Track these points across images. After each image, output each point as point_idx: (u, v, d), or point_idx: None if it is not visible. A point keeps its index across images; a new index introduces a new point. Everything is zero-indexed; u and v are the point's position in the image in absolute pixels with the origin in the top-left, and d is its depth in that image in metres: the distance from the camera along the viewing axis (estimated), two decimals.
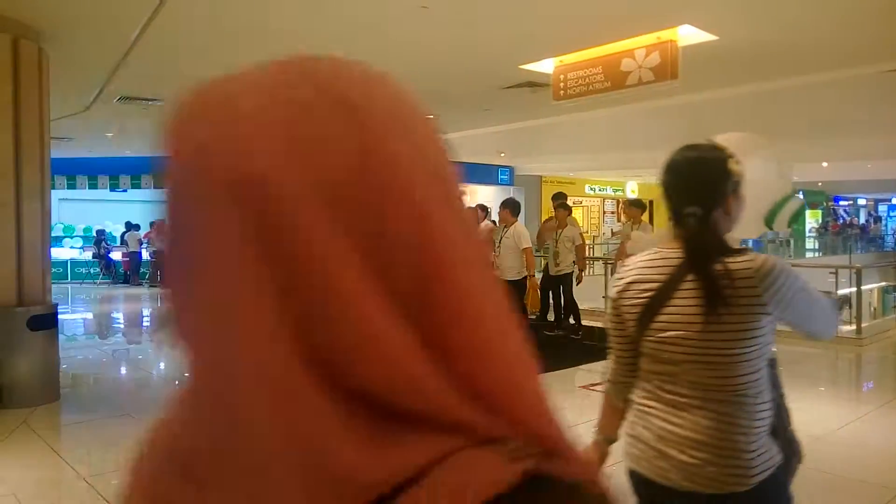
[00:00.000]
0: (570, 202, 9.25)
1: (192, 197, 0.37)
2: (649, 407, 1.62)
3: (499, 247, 7.59)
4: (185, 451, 0.40)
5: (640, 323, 1.61)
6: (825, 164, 19.81)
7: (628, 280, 1.66)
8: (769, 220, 6.76)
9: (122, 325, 10.96)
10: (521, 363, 0.41)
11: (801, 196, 6.34)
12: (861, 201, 38.32)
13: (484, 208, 9.39)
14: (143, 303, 13.53)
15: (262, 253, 0.35)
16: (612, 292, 1.71)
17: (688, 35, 5.91)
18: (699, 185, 1.61)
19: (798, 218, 6.36)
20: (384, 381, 0.36)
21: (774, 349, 1.64)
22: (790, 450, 1.70)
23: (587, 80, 6.59)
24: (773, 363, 1.66)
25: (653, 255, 1.65)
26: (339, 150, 0.36)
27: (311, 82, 0.39)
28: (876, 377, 7.75)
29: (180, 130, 0.40)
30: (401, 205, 0.37)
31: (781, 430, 1.67)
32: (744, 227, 7.11)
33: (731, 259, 1.53)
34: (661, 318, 1.57)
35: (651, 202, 20.40)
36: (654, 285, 1.60)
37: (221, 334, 0.36)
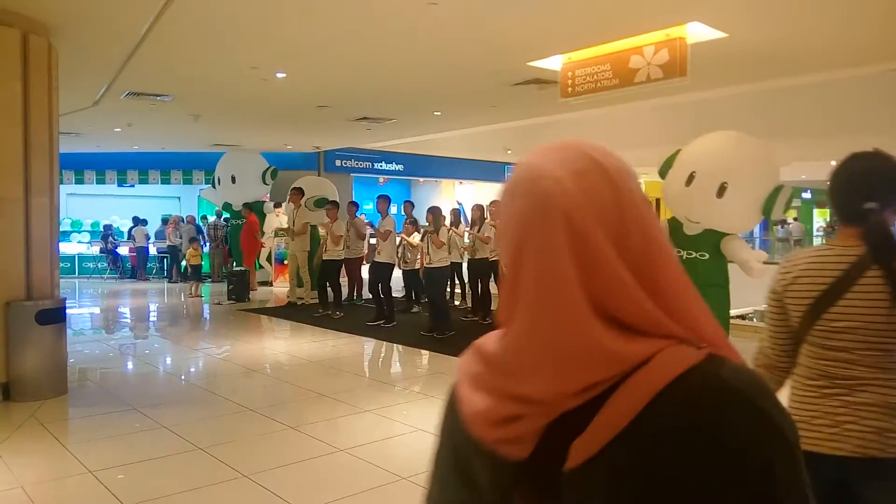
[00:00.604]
0: None
1: (537, 223, 0.70)
2: (821, 387, 1.78)
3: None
4: (489, 353, 0.78)
5: (809, 315, 1.76)
6: (833, 163, 19.65)
7: (795, 275, 1.81)
8: (767, 210, 6.75)
9: (128, 320, 11.00)
10: (696, 297, 0.74)
11: (788, 185, 6.40)
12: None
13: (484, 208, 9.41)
14: (150, 297, 13.58)
15: (572, 248, 0.69)
16: (777, 286, 1.86)
17: (697, 32, 5.88)
18: (878, 184, 1.77)
19: (790, 204, 6.39)
20: (628, 311, 0.69)
21: None
22: None
23: (595, 77, 6.56)
24: None
25: (822, 251, 1.80)
26: (602, 191, 0.71)
27: (585, 157, 0.73)
28: None
29: (523, 183, 0.74)
30: (632, 212, 0.71)
31: None
32: (743, 221, 7.08)
33: None
34: (835, 309, 1.72)
35: (658, 200, 20.33)
36: (827, 279, 1.74)
37: (552, 292, 0.69)
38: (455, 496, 0.81)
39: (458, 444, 0.80)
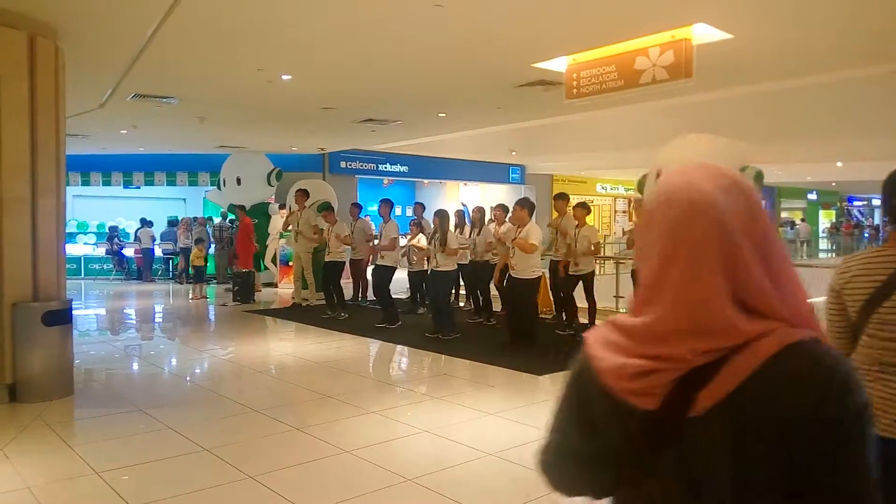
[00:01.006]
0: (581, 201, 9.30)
1: (695, 226, 0.90)
2: (876, 372, 1.97)
3: (513, 248, 7.54)
4: (629, 325, 0.94)
5: (865, 309, 1.97)
6: (840, 164, 19.64)
7: (852, 274, 2.02)
8: None
9: (134, 321, 11.03)
10: (799, 287, 0.92)
11: (753, 167, 6.47)
12: (876, 202, 37.92)
13: (504, 208, 9.36)
14: (156, 299, 13.61)
15: (721, 247, 0.88)
16: (835, 285, 2.08)
17: (702, 34, 5.86)
18: None
19: (760, 182, 6.52)
20: (755, 297, 0.88)
21: None
22: None
23: (600, 78, 6.55)
24: None
25: (876, 253, 2.01)
26: (741, 203, 0.91)
27: (726, 177, 0.93)
28: None
29: (679, 193, 0.92)
30: (760, 219, 0.92)
31: None
32: None
33: None
34: (888, 303, 1.92)
35: None
36: (881, 277, 1.95)
37: (702, 280, 0.88)
38: (580, 444, 1.01)
39: (587, 399, 0.99)
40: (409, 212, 10.86)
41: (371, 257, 10.59)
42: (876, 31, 5.96)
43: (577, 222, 8.57)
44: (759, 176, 6.40)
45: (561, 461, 1.05)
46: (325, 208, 10.84)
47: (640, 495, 0.95)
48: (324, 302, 10.66)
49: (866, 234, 29.89)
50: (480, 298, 9.83)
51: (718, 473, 0.87)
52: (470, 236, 9.77)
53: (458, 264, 9.05)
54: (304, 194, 11.45)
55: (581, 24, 5.80)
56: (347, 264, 10.80)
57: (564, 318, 8.84)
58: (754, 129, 12.86)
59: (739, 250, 0.88)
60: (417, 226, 9.90)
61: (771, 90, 8.41)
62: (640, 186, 7.01)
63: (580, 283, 8.61)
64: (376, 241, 10.05)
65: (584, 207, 8.74)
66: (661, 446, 0.91)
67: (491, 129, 12.17)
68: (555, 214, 9.26)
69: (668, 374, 0.88)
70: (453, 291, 10.07)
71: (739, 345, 0.86)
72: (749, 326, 0.87)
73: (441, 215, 8.47)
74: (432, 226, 8.73)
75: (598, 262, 9.79)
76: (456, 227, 9.82)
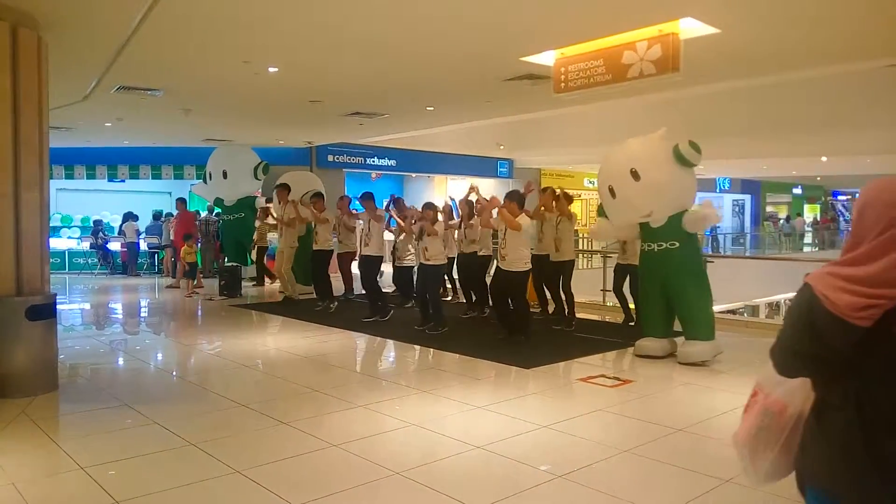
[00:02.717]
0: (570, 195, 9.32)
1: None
2: None
3: (503, 239, 7.51)
4: (849, 274, 1.40)
5: None
6: (824, 159, 19.80)
7: None
8: (678, 157, 7.15)
9: (119, 316, 10.95)
10: None
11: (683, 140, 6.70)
12: None
13: (470, 203, 9.40)
14: (141, 293, 13.52)
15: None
16: None
17: (689, 28, 5.88)
18: None
19: (695, 150, 6.86)
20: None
21: None
22: None
23: (588, 72, 6.57)
24: None
25: None
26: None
27: None
28: None
29: (888, 185, 1.42)
30: None
31: None
32: (675, 190, 7.38)
33: None
34: None
35: None
36: None
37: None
38: (801, 346, 1.46)
39: (814, 320, 1.40)
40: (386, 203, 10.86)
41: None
42: (861, 27, 6.01)
43: (558, 213, 8.58)
44: (693, 145, 6.59)
45: (785, 355, 1.52)
46: (316, 196, 10.83)
47: (836, 389, 1.45)
48: (311, 296, 10.63)
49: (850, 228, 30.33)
50: (473, 295, 9.80)
51: None
52: (458, 229, 9.76)
53: (447, 258, 9.03)
54: (284, 188, 11.57)
55: (569, 18, 5.80)
56: (334, 257, 10.76)
57: (566, 312, 8.75)
58: (740, 123, 12.95)
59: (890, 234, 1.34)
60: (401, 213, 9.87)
61: (757, 85, 8.47)
62: (601, 211, 7.55)
63: (560, 275, 8.63)
64: (361, 223, 9.99)
65: (566, 198, 8.80)
66: (871, 350, 1.37)
67: (479, 123, 12.16)
68: (541, 208, 9.27)
69: (883, 307, 1.33)
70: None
71: None
72: None
73: (430, 208, 8.50)
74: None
75: (584, 255, 9.84)
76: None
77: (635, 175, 6.64)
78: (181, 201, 14.39)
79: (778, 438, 1.68)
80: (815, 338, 1.42)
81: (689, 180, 6.88)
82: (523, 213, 7.54)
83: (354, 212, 10.47)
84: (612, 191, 6.94)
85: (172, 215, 15.23)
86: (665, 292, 6.95)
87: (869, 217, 1.40)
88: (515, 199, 7.56)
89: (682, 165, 6.64)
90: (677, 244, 6.83)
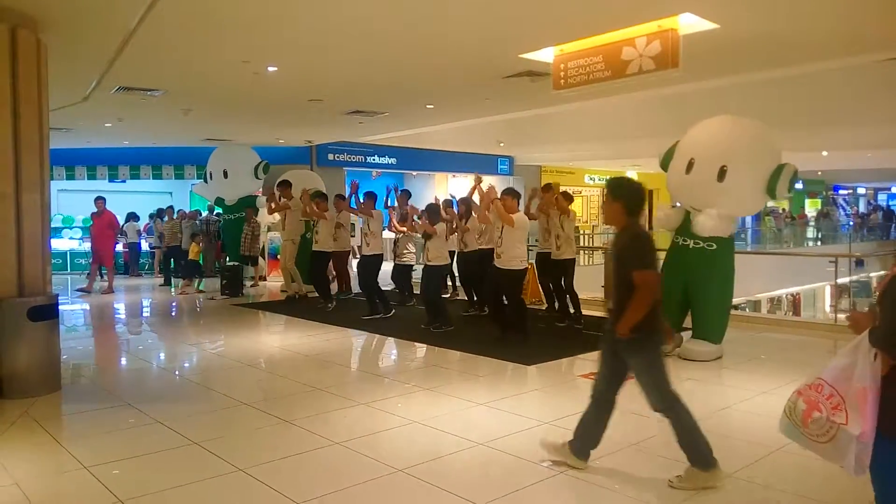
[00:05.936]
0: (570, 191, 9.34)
1: None
2: None
3: (500, 237, 7.49)
4: None
5: None
6: (825, 154, 19.77)
7: None
8: (771, 190, 6.82)
9: (121, 316, 10.97)
10: None
11: (791, 164, 6.48)
12: (861, 190, 38.26)
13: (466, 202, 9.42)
14: (143, 293, 13.53)
15: None
16: None
17: (689, 23, 5.87)
18: None
19: (795, 183, 6.52)
20: None
21: None
22: None
23: (587, 68, 6.55)
24: None
25: None
26: None
27: None
28: None
29: None
30: None
31: None
32: (746, 203, 7.20)
33: None
34: None
35: (651, 192, 20.32)
36: None
37: None
38: None
39: None
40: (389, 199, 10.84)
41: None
42: (861, 21, 5.99)
43: (559, 212, 8.58)
44: (795, 175, 6.42)
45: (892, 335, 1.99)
46: (318, 196, 10.84)
47: None
48: (312, 293, 10.63)
49: (850, 223, 30.18)
50: (474, 293, 9.80)
51: None
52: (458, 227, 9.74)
53: (448, 255, 9.03)
54: (286, 185, 11.68)
55: (568, 14, 5.80)
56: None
57: (572, 310, 8.73)
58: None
59: None
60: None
61: (757, 80, 8.45)
62: (666, 160, 7.02)
63: (561, 273, 8.62)
64: (360, 221, 10.00)
65: (566, 197, 8.83)
66: None
67: (479, 121, 12.15)
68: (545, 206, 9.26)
69: None
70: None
71: None
72: None
73: (430, 209, 8.55)
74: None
75: (585, 252, 9.84)
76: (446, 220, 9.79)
77: (723, 173, 6.36)
78: (99, 199, 13.07)
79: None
80: None
81: (760, 198, 6.71)
82: (521, 212, 7.54)
83: (355, 207, 10.51)
84: (723, 171, 6.37)
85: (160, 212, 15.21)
86: (686, 289, 6.77)
87: None
88: (512, 195, 7.55)
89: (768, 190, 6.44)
90: (714, 245, 6.65)
